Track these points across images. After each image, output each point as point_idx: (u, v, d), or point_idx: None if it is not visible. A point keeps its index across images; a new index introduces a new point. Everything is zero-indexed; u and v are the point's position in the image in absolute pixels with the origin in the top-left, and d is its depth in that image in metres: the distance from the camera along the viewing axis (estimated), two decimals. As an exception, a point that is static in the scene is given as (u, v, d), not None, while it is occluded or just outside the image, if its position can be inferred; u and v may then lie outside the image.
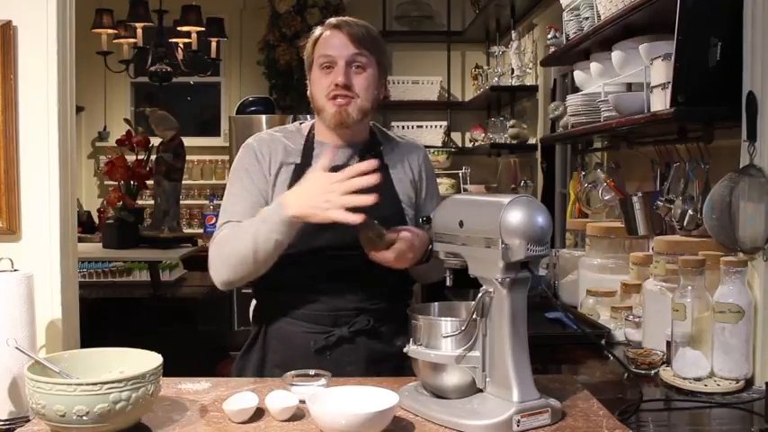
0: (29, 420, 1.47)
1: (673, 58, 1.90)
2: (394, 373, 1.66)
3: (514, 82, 4.62)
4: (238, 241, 1.67)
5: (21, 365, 1.44)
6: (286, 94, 5.92)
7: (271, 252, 1.65)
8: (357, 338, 1.78)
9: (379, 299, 1.79)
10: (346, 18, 1.82)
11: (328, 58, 1.76)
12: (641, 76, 2.18)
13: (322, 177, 1.59)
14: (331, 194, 1.55)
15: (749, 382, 1.79)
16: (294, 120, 1.99)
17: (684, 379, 1.78)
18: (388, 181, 1.85)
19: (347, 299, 1.76)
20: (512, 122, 4.73)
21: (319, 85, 1.79)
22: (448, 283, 1.60)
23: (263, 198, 1.79)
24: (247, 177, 1.80)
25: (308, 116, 2.01)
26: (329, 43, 1.78)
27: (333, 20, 1.83)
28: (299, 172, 1.78)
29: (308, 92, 1.84)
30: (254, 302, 1.93)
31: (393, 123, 5.70)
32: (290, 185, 1.76)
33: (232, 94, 6.47)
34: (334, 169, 1.78)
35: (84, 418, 1.29)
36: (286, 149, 1.82)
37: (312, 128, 1.87)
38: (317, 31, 1.83)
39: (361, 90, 1.77)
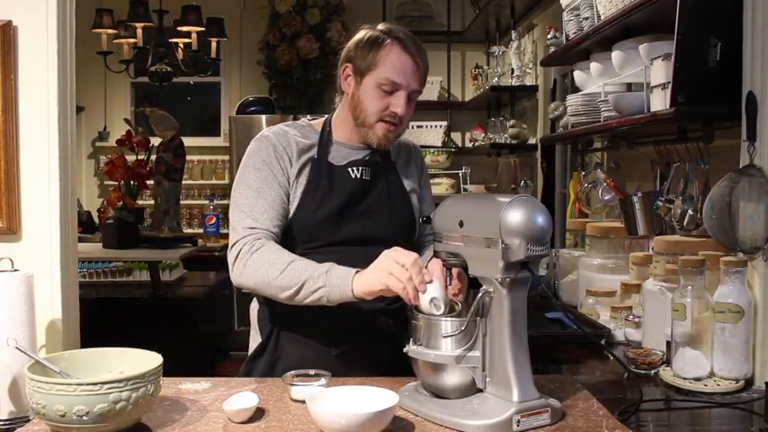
0: (29, 420, 1.47)
1: (673, 58, 1.90)
2: (408, 373, 1.63)
3: (514, 82, 4.62)
4: (285, 276, 1.60)
5: (21, 365, 1.44)
6: (286, 94, 5.92)
7: (310, 305, 1.61)
8: (378, 341, 1.77)
9: (397, 299, 1.76)
10: (415, 40, 1.76)
11: (394, 85, 1.73)
12: (641, 76, 2.18)
13: (395, 259, 1.51)
14: (402, 274, 1.48)
15: (749, 382, 1.79)
16: (294, 119, 1.96)
17: (684, 379, 1.78)
18: (395, 175, 1.88)
19: (368, 301, 1.69)
20: (512, 122, 4.73)
21: (372, 103, 1.75)
22: (448, 282, 1.60)
23: (284, 192, 1.75)
24: (267, 169, 1.75)
25: (309, 116, 1.98)
26: (399, 69, 1.72)
27: (404, 37, 1.75)
28: (315, 167, 1.78)
29: (345, 87, 1.79)
30: (255, 305, 1.90)
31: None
32: (309, 181, 1.76)
33: (232, 94, 6.47)
34: (352, 164, 1.79)
35: (84, 418, 1.29)
36: (302, 144, 1.80)
37: (326, 124, 1.85)
38: (383, 38, 1.74)
39: (407, 119, 1.79)
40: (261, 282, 1.64)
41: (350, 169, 1.80)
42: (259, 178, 1.75)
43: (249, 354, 1.87)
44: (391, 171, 1.88)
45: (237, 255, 1.68)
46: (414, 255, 1.51)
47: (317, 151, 1.80)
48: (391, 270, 1.49)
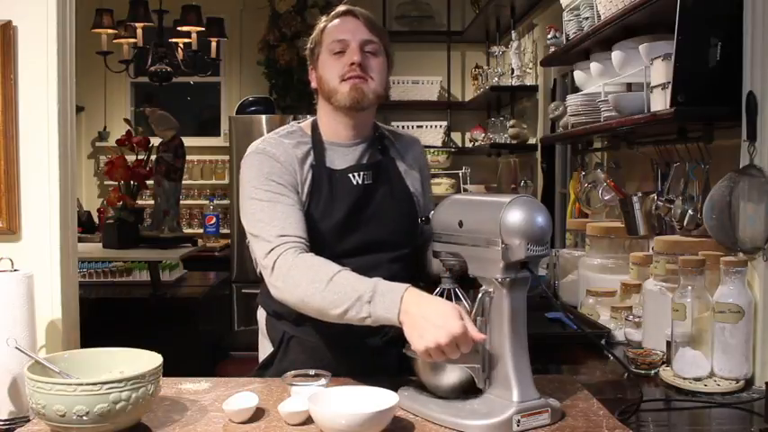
0: (29, 420, 1.48)
1: (673, 58, 1.90)
2: (408, 373, 1.60)
3: (514, 82, 4.61)
4: (328, 293, 1.50)
5: (21, 365, 1.44)
6: (286, 94, 5.91)
7: (354, 323, 1.51)
8: (389, 346, 1.73)
9: None
10: (352, 5, 1.77)
11: (341, 43, 1.70)
12: (641, 76, 2.18)
13: (452, 323, 1.37)
14: (448, 347, 1.37)
15: (749, 382, 1.79)
16: (294, 120, 1.94)
17: (684, 379, 1.78)
18: (397, 174, 1.83)
19: None
20: (512, 122, 4.72)
21: (331, 70, 1.71)
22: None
23: (298, 199, 1.68)
24: (273, 183, 1.67)
25: (308, 116, 1.96)
26: (341, 28, 1.72)
27: (342, 7, 1.76)
28: (316, 173, 1.72)
29: (313, 83, 1.79)
30: (263, 312, 1.86)
31: (393, 123, 5.67)
32: (311, 191, 1.71)
33: (232, 94, 6.47)
34: (352, 170, 1.75)
35: (84, 418, 1.29)
36: (299, 153, 1.74)
37: (315, 126, 1.80)
38: (324, 19, 1.77)
39: (376, 73, 1.72)
40: (300, 302, 1.56)
41: (351, 175, 1.74)
42: (269, 190, 1.66)
43: (259, 362, 1.85)
44: (393, 169, 1.82)
45: (273, 267, 1.58)
46: (460, 322, 1.38)
47: (314, 157, 1.75)
48: (435, 342, 1.37)
